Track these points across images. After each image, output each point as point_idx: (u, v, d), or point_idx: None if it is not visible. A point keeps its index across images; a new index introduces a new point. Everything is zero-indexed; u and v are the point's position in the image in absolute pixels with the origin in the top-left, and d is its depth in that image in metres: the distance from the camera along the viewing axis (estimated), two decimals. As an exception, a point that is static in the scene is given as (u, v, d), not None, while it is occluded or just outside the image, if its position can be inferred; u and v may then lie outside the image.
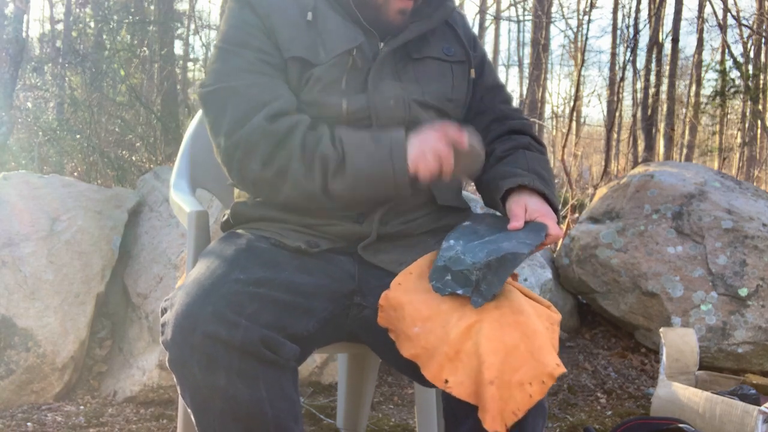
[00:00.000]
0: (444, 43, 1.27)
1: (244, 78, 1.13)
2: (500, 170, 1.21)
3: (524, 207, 1.14)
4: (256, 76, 1.14)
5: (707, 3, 9.33)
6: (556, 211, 1.16)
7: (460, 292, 1.02)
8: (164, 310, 1.04)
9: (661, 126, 10.85)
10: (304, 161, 1.08)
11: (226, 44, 1.17)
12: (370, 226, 1.16)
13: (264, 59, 1.15)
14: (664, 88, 10.60)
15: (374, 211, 1.17)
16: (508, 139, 1.28)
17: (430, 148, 1.08)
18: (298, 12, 1.18)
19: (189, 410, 1.00)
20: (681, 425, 1.93)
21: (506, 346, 0.96)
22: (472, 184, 1.38)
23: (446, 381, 0.97)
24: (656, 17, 9.31)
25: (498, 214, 1.22)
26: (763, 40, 10.36)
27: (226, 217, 1.25)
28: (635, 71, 10.32)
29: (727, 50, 9.27)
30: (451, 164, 1.08)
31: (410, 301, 1.04)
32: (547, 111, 17.29)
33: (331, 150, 1.08)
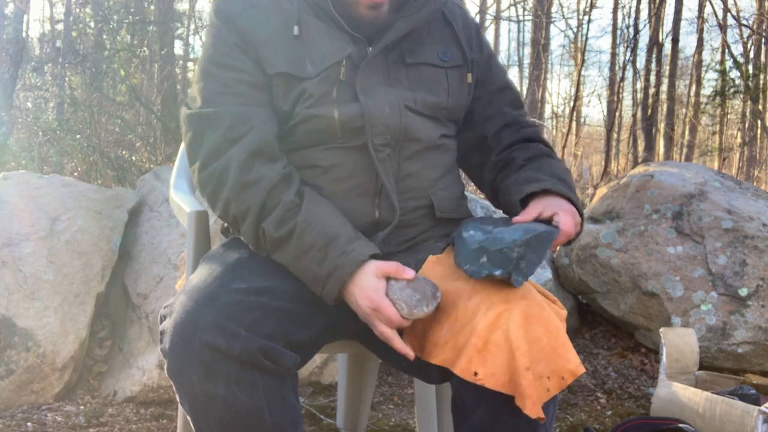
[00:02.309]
0: (440, 46, 1.21)
1: (220, 103, 1.10)
2: (522, 176, 1.18)
3: (542, 208, 1.11)
4: (233, 100, 1.11)
5: (707, 3, 9.33)
6: (580, 213, 1.14)
7: (497, 273, 0.99)
8: (163, 318, 1.03)
9: (661, 126, 10.84)
10: (255, 223, 1.06)
11: (207, 64, 1.14)
12: (374, 242, 1.13)
13: (242, 79, 1.12)
14: (664, 88, 10.60)
15: (375, 236, 1.14)
16: (525, 147, 1.25)
17: (378, 329, 1.03)
18: (281, 24, 1.14)
19: (188, 417, 1.00)
20: (681, 425, 1.93)
21: (529, 337, 0.96)
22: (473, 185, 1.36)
23: (475, 373, 0.96)
24: (656, 17, 9.30)
25: (499, 215, 1.21)
26: (763, 40, 10.36)
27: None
28: (635, 71, 10.32)
29: (727, 50, 9.28)
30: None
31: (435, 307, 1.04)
32: (547, 111, 17.28)
33: (275, 230, 1.05)
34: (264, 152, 1.09)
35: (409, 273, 1.03)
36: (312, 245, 1.04)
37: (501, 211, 1.27)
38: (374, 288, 1.01)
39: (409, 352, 1.03)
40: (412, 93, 1.16)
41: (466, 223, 1.12)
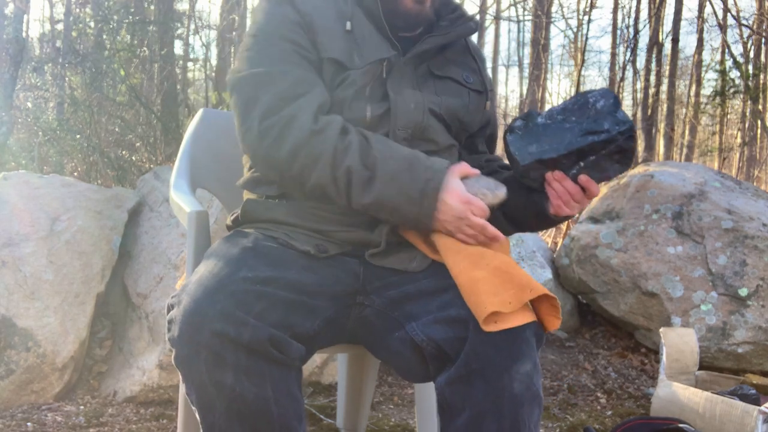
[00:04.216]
0: (464, 72, 1.31)
1: (279, 66, 1.15)
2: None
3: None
4: (292, 67, 1.15)
5: (707, 3, 9.34)
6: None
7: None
8: (171, 307, 1.04)
9: (661, 126, 10.84)
10: (332, 166, 1.09)
11: (262, 34, 1.19)
12: (380, 235, 1.16)
13: (300, 52, 1.17)
14: (664, 88, 10.60)
15: (385, 222, 1.17)
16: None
17: (467, 233, 1.11)
18: (335, 17, 1.21)
19: (193, 408, 1.01)
20: (681, 425, 1.93)
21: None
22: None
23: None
24: (656, 17, 9.31)
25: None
26: (763, 40, 10.36)
27: (235, 215, 1.24)
28: (635, 71, 10.32)
29: (727, 50, 9.28)
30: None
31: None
32: (547, 111, 17.19)
33: (360, 166, 1.09)
34: (325, 108, 1.15)
35: (476, 170, 1.15)
36: (397, 170, 1.09)
37: None
38: (460, 187, 1.11)
39: (499, 234, 1.12)
40: (437, 97, 1.24)
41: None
